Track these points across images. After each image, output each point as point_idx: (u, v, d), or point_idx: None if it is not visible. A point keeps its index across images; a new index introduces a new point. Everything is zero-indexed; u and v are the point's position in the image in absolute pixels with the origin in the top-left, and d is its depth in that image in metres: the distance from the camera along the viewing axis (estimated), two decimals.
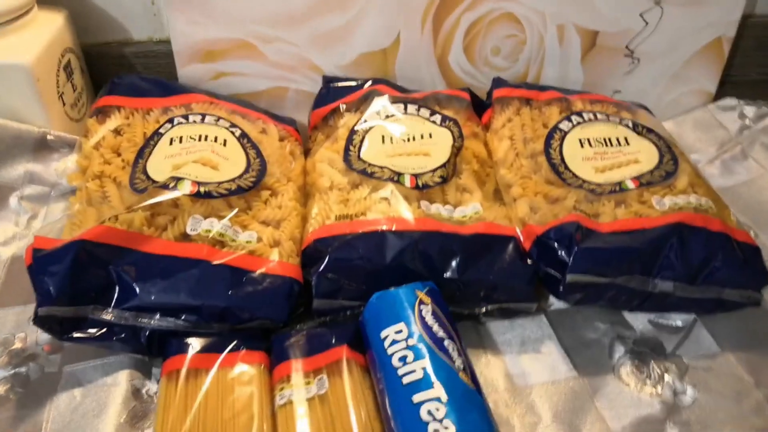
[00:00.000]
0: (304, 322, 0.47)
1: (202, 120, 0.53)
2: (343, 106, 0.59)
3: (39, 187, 0.54)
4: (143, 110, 0.55)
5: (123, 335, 0.42)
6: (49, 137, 0.54)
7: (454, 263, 0.45)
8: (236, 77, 0.62)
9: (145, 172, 0.48)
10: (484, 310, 0.47)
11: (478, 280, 0.45)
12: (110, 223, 0.42)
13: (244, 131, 0.54)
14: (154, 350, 0.43)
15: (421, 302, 0.41)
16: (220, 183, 0.47)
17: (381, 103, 0.58)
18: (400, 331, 0.40)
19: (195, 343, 0.42)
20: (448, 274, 0.45)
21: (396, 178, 0.49)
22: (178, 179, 0.46)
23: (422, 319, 0.40)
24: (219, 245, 0.45)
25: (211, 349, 0.42)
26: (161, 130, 0.52)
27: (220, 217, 0.46)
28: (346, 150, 0.54)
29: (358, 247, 0.45)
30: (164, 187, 0.45)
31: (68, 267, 0.39)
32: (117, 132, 0.53)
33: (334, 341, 0.42)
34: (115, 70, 0.66)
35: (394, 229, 0.46)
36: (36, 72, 0.51)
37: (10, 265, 0.50)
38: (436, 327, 0.40)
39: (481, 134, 0.60)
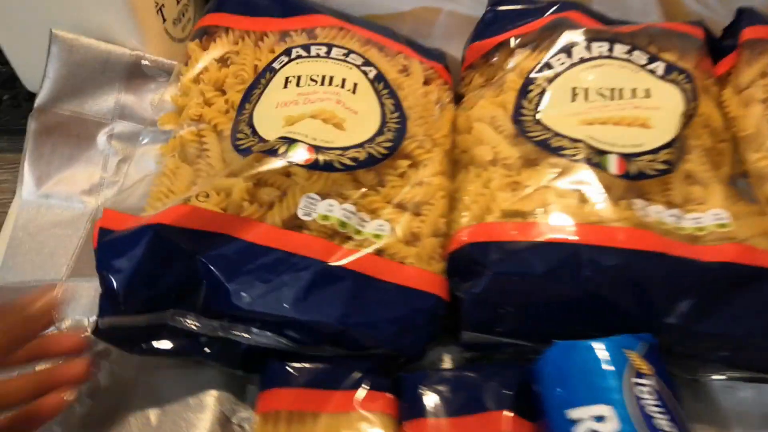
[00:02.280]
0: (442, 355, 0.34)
1: (328, 53, 0.40)
2: (515, 40, 0.43)
3: (131, 125, 0.44)
4: (256, 34, 0.42)
5: (212, 349, 0.32)
6: (144, 62, 0.43)
7: (683, 305, 0.30)
8: None
9: (250, 124, 0.36)
10: (715, 377, 0.32)
11: (717, 335, 0.30)
12: (198, 202, 0.31)
13: (381, 72, 0.40)
14: (252, 367, 0.33)
15: (638, 373, 0.27)
16: (345, 149, 0.34)
17: (572, 39, 0.41)
18: (602, 418, 0.26)
19: (301, 371, 0.31)
20: (671, 320, 0.30)
21: (595, 159, 0.33)
22: (290, 142, 0.33)
23: (639, 402, 0.26)
24: (339, 239, 0.32)
25: (322, 383, 0.31)
26: (275, 65, 0.39)
27: (343, 198, 0.33)
28: (518, 106, 0.38)
29: (535, 265, 0.30)
30: (271, 152, 0.33)
31: (138, 262, 0.29)
32: (223, 62, 0.41)
33: (490, 401, 0.29)
34: None
35: (592, 242, 0.30)
36: None
37: (95, 219, 0.41)
38: (658, 418, 0.26)
39: (713, 91, 0.41)
